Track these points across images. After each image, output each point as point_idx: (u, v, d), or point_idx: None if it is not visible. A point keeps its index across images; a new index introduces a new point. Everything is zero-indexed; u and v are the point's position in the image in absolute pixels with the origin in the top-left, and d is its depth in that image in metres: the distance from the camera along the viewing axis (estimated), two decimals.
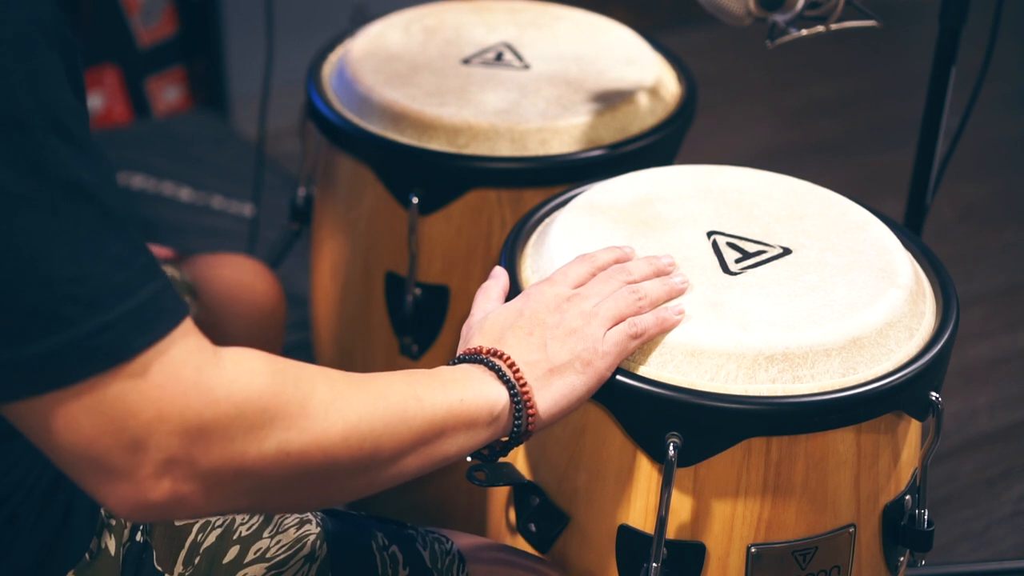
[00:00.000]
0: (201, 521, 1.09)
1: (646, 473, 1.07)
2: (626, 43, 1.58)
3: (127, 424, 0.80)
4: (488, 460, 1.04)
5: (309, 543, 1.10)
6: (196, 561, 1.07)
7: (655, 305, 1.07)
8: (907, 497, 1.13)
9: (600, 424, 1.08)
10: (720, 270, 1.12)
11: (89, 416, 0.80)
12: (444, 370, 1.00)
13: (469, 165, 1.39)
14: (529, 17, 1.62)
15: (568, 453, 1.12)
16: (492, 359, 1.01)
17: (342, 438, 0.89)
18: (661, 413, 1.03)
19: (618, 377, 1.04)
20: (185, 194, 2.53)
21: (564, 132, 1.40)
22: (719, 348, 1.04)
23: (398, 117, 1.42)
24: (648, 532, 1.07)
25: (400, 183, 1.41)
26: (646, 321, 1.05)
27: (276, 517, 1.11)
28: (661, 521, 1.04)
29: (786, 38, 1.32)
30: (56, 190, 0.78)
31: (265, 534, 1.10)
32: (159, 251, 1.30)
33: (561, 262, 1.12)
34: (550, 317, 1.04)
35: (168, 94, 2.82)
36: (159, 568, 1.07)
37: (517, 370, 1.01)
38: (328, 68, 1.56)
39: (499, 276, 1.13)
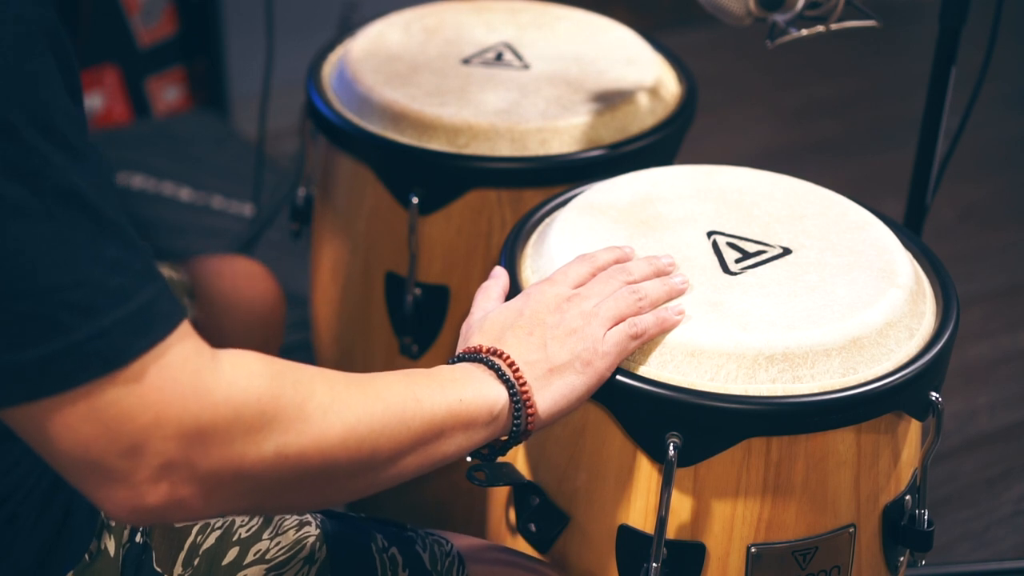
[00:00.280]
0: (200, 523, 1.09)
1: (646, 473, 1.07)
2: (626, 43, 1.58)
3: (124, 429, 0.80)
4: (487, 459, 1.04)
5: (308, 545, 1.10)
6: (195, 562, 1.07)
7: (655, 305, 1.07)
8: (907, 497, 1.13)
9: (600, 424, 1.08)
10: (720, 270, 1.12)
11: (86, 421, 0.80)
12: (443, 369, 1.00)
13: (469, 165, 1.39)
14: (529, 17, 1.62)
15: (568, 453, 1.12)
16: (492, 358, 1.01)
17: (340, 440, 0.89)
18: (661, 413, 1.03)
19: (618, 377, 1.04)
20: (185, 194, 2.53)
21: (564, 132, 1.40)
22: (719, 348, 1.04)
23: (398, 117, 1.42)
24: (648, 532, 1.07)
25: (400, 183, 1.41)
26: (646, 321, 1.05)
27: (276, 519, 1.11)
28: (661, 521, 1.04)
29: (786, 38, 1.32)
30: (51, 197, 0.78)
31: (264, 536, 1.10)
32: None
33: (561, 262, 1.12)
34: (550, 317, 1.04)
35: (168, 94, 2.82)
36: (158, 569, 1.06)
37: (517, 369, 1.01)
38: (328, 68, 1.56)
39: (499, 276, 1.13)
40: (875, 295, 1.09)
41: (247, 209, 2.46)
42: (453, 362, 1.02)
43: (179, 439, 0.81)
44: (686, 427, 1.03)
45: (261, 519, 1.10)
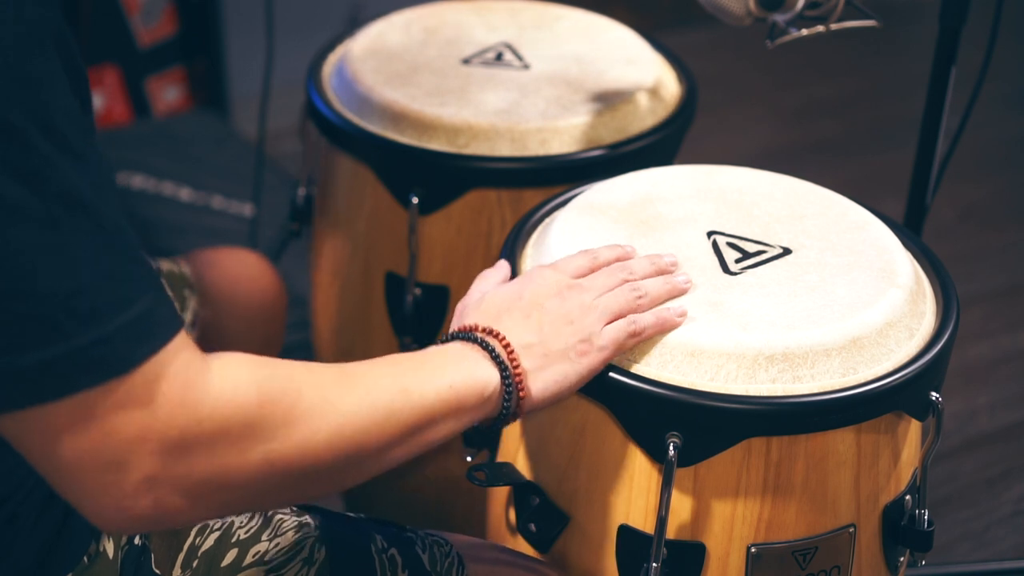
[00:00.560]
0: (199, 524, 1.09)
1: (646, 473, 1.07)
2: (626, 43, 1.58)
3: (110, 442, 0.80)
4: (472, 441, 1.05)
5: (308, 546, 1.10)
6: (194, 564, 1.07)
7: (655, 303, 1.06)
8: (907, 497, 1.13)
9: (600, 424, 1.08)
10: (720, 270, 1.12)
11: (75, 431, 0.80)
12: (435, 351, 0.99)
13: (469, 165, 1.39)
14: (529, 17, 1.62)
15: (568, 453, 1.12)
16: (487, 338, 1.00)
17: (327, 443, 0.88)
18: (661, 413, 1.03)
19: (618, 377, 1.04)
20: (185, 194, 2.53)
21: (564, 132, 1.40)
22: (719, 348, 1.04)
23: (398, 117, 1.42)
24: (648, 532, 1.07)
25: (400, 183, 1.41)
26: (646, 320, 1.05)
27: (275, 520, 1.11)
28: (661, 521, 1.04)
29: (786, 38, 1.32)
30: (53, 201, 0.77)
31: (263, 537, 1.10)
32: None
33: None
34: (550, 302, 1.03)
35: (168, 94, 2.82)
36: (157, 571, 1.06)
37: (512, 352, 1.00)
38: (328, 68, 1.56)
39: (502, 267, 1.13)
40: (875, 295, 1.09)
41: (247, 209, 2.46)
42: (446, 340, 1.01)
43: (163, 454, 0.81)
44: (686, 427, 1.03)
45: (260, 520, 1.10)
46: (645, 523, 1.08)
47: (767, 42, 1.34)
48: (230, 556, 1.08)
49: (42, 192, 0.77)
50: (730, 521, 1.06)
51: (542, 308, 1.03)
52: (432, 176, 1.40)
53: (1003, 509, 1.99)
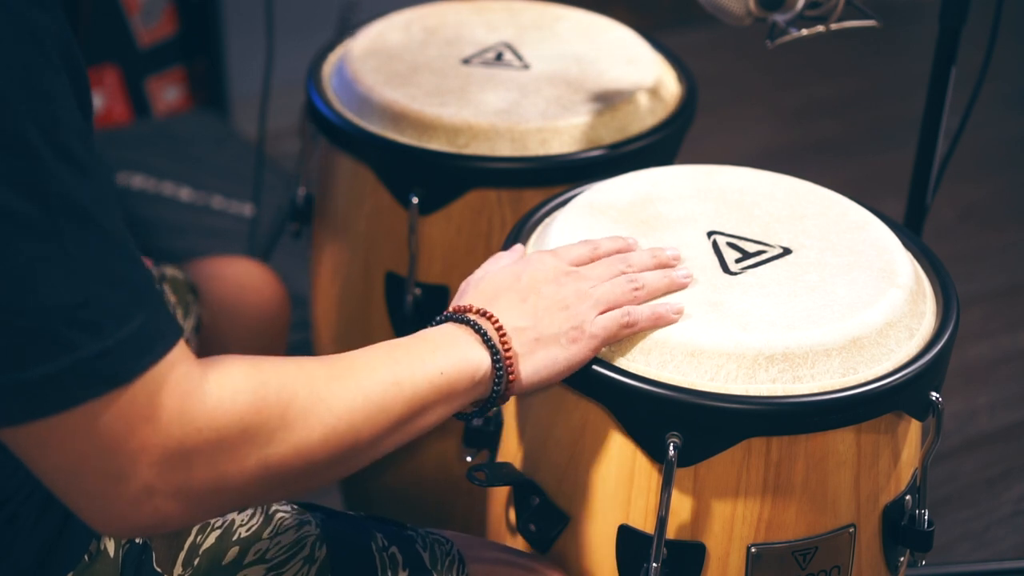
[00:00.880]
0: (200, 523, 1.09)
1: (646, 473, 1.07)
2: (626, 43, 1.58)
3: (111, 453, 0.81)
4: (472, 440, 1.08)
5: (308, 544, 1.10)
6: (196, 562, 1.07)
7: (652, 296, 1.07)
8: (907, 497, 1.13)
9: (600, 424, 1.08)
10: (720, 270, 1.12)
11: (77, 442, 0.80)
12: (427, 336, 1.00)
13: (469, 165, 1.39)
14: (529, 17, 1.62)
15: (568, 453, 1.12)
16: (480, 321, 1.01)
17: (321, 442, 0.89)
18: (661, 413, 1.03)
19: (618, 377, 1.04)
20: (185, 194, 2.53)
21: (564, 132, 1.40)
22: (719, 348, 1.04)
23: (398, 117, 1.42)
24: (648, 532, 1.07)
25: (400, 183, 1.41)
26: (640, 312, 1.05)
27: (276, 518, 1.11)
28: (661, 521, 1.04)
29: (786, 38, 1.32)
30: (59, 214, 0.78)
31: (264, 535, 1.10)
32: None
33: None
34: (546, 287, 1.04)
35: (168, 94, 2.82)
36: (158, 569, 1.06)
37: (504, 334, 1.00)
38: (328, 68, 1.56)
39: (516, 251, 1.13)
40: (875, 295, 1.09)
41: (247, 209, 2.46)
42: (440, 321, 1.02)
43: (163, 464, 0.82)
44: (686, 427, 1.03)
45: (261, 518, 1.11)
46: (645, 523, 1.08)
47: (767, 42, 1.34)
48: (231, 554, 1.08)
49: (48, 206, 0.77)
50: (730, 521, 1.06)
51: (538, 292, 1.03)
52: (432, 176, 1.40)
53: (1003, 509, 1.99)
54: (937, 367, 1.08)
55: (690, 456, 1.04)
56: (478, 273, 1.09)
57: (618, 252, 1.10)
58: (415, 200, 1.39)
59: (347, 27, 1.63)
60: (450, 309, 1.03)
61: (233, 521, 1.10)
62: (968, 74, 1.54)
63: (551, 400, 1.12)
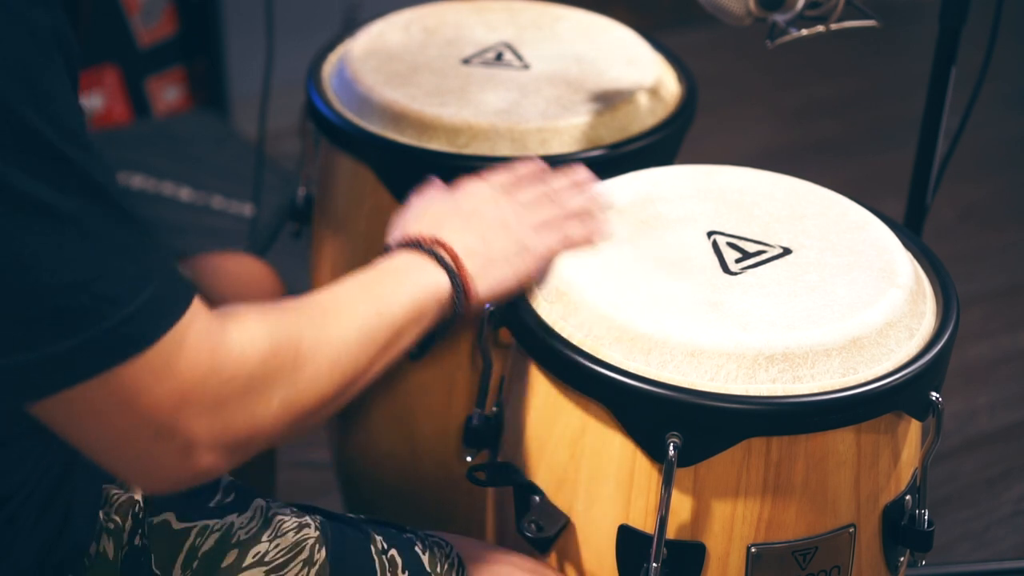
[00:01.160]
0: (200, 525, 1.09)
1: (646, 473, 1.07)
2: (626, 43, 1.57)
3: (153, 414, 0.86)
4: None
5: (307, 547, 1.10)
6: (195, 565, 1.07)
7: (575, 214, 1.15)
8: (907, 497, 1.13)
9: (600, 424, 1.08)
10: (720, 270, 1.12)
11: (113, 408, 0.84)
12: (393, 267, 1.07)
13: (469, 165, 1.38)
14: (529, 17, 1.62)
15: (568, 453, 1.12)
16: (435, 248, 1.08)
17: (328, 376, 0.97)
18: (661, 413, 1.03)
19: (618, 377, 1.04)
20: (185, 194, 2.53)
21: (564, 132, 1.40)
22: (719, 348, 1.04)
23: (398, 117, 1.42)
24: (648, 532, 1.07)
25: (400, 183, 1.41)
26: (575, 230, 1.13)
27: (275, 521, 1.11)
28: (661, 521, 1.04)
29: (786, 38, 1.32)
30: (76, 195, 0.81)
31: (264, 538, 1.10)
32: None
33: (561, 262, 1.13)
34: (487, 210, 1.12)
35: (168, 94, 2.82)
36: (157, 572, 1.06)
37: (458, 258, 1.08)
38: (328, 68, 1.56)
39: (438, 183, 1.20)
40: (875, 295, 1.09)
41: (247, 209, 2.46)
42: (393, 249, 1.09)
43: (203, 416, 0.88)
44: (686, 427, 1.03)
45: (260, 521, 1.11)
46: (645, 523, 1.08)
47: (767, 42, 1.34)
48: (230, 557, 1.08)
49: (67, 188, 0.80)
50: (730, 521, 1.06)
51: (480, 216, 1.11)
52: (432, 176, 1.39)
53: (1003, 509, 1.99)
54: (937, 367, 1.08)
55: (690, 456, 1.04)
56: (413, 207, 1.15)
57: (533, 174, 1.18)
58: None
59: (352, 27, 1.63)
60: (398, 240, 1.10)
61: (232, 524, 1.10)
62: (968, 74, 1.54)
63: (551, 400, 1.12)
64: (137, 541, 1.07)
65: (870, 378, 1.04)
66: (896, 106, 3.06)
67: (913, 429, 1.13)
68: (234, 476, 1.14)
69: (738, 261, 1.13)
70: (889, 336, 1.07)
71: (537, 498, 1.14)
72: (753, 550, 1.07)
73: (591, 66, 1.51)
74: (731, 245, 1.15)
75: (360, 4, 2.37)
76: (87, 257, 0.82)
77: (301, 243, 1.77)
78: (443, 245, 1.08)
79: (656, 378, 1.04)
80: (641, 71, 1.51)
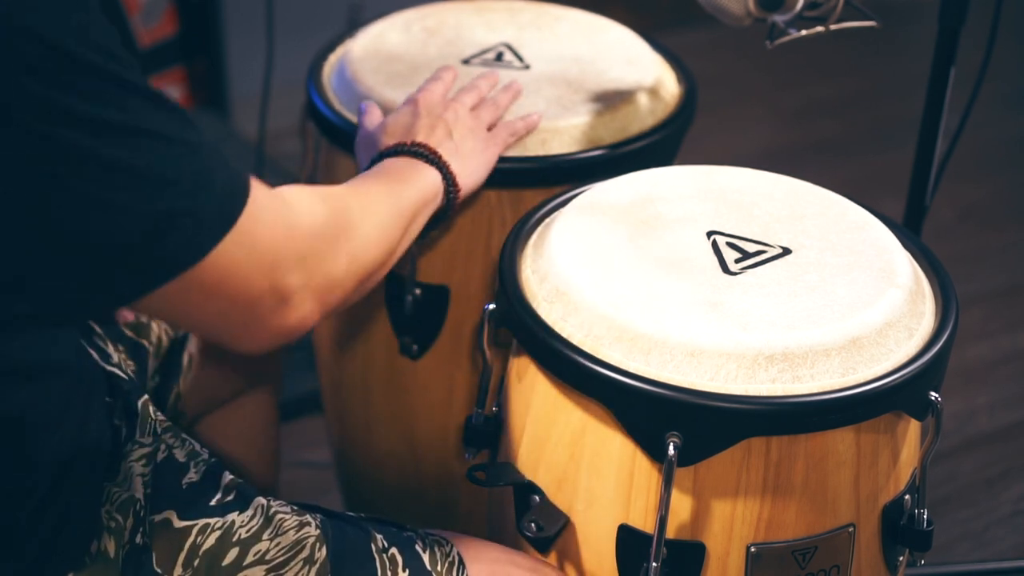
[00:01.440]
0: (200, 523, 1.09)
1: (646, 473, 1.07)
2: (626, 43, 1.58)
3: (251, 281, 0.94)
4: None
5: (308, 545, 1.10)
6: (195, 563, 1.07)
7: (506, 109, 1.38)
8: (906, 497, 1.13)
9: (600, 424, 1.08)
10: (720, 270, 1.12)
11: (218, 285, 0.92)
12: (396, 167, 1.21)
13: None
14: (529, 17, 1.62)
15: (568, 453, 1.12)
16: (421, 150, 1.23)
17: (377, 240, 1.10)
18: (661, 413, 1.03)
19: (618, 377, 1.04)
20: None
21: (564, 132, 1.40)
22: (719, 348, 1.04)
23: None
24: (648, 532, 1.07)
25: None
26: (516, 123, 1.35)
27: (276, 519, 1.11)
28: (661, 521, 1.04)
29: (786, 38, 1.32)
30: (139, 109, 0.87)
31: (264, 536, 1.10)
32: (125, 313, 1.31)
33: (561, 262, 1.13)
34: (446, 115, 1.28)
35: (168, 94, 2.82)
36: (158, 570, 1.07)
37: (440, 156, 1.23)
38: (328, 68, 1.56)
39: (372, 107, 1.35)
40: (875, 295, 1.10)
41: None
42: (386, 155, 1.23)
43: (291, 272, 0.97)
44: (686, 427, 1.03)
45: (261, 519, 1.11)
46: (645, 523, 1.08)
47: (767, 42, 1.34)
48: (231, 555, 1.08)
49: (125, 105, 0.86)
50: (730, 521, 1.06)
51: (442, 119, 1.27)
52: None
53: (1002, 509, 1.99)
54: (936, 367, 1.08)
55: (690, 456, 1.04)
56: (369, 127, 1.31)
57: (454, 78, 1.37)
58: None
59: (355, 27, 1.63)
60: (388, 147, 1.24)
61: (233, 522, 1.10)
62: (968, 74, 1.55)
63: (551, 400, 1.12)
64: (138, 539, 1.07)
65: (870, 378, 1.05)
66: (896, 106, 3.07)
67: (912, 429, 1.13)
68: (235, 475, 1.15)
69: (738, 261, 1.13)
70: (888, 336, 1.07)
71: (537, 498, 1.14)
72: (753, 550, 1.07)
73: (591, 66, 1.51)
74: (731, 245, 1.16)
75: (363, 4, 2.37)
76: (169, 158, 0.88)
77: None
78: (425, 146, 1.23)
79: (656, 378, 1.04)
80: (641, 71, 1.51)
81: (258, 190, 0.95)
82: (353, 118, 1.45)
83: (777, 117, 3.08)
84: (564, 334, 1.09)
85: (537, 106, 1.43)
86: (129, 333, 1.32)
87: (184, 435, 1.18)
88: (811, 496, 1.07)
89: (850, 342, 1.05)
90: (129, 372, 1.25)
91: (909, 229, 1.32)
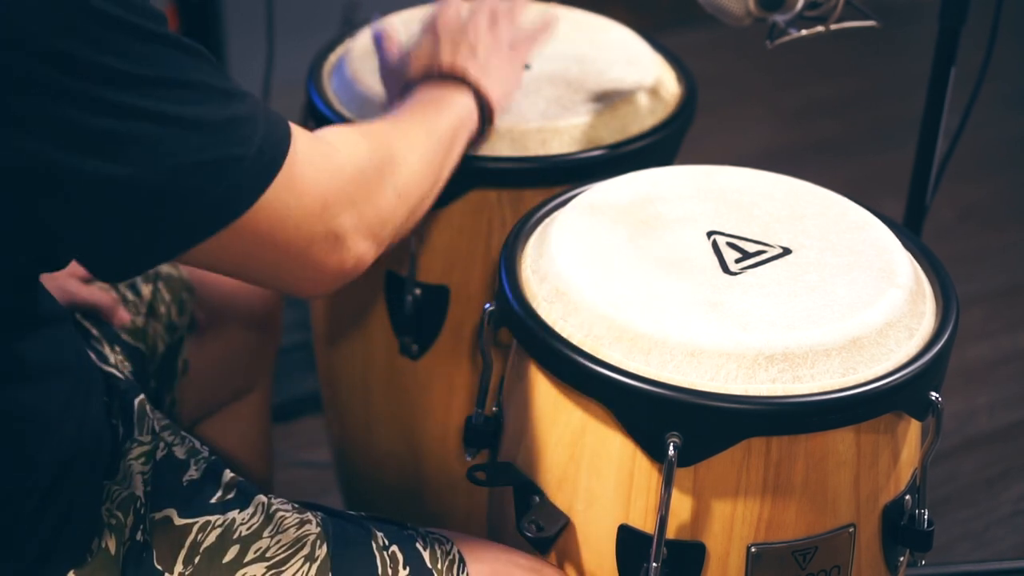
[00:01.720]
0: (201, 520, 1.09)
1: (646, 473, 1.07)
2: (626, 43, 1.58)
3: (298, 223, 0.95)
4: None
5: (309, 543, 1.10)
6: (196, 561, 1.07)
7: (519, 19, 1.38)
8: (907, 497, 1.13)
9: (600, 424, 1.08)
10: (720, 270, 1.12)
11: (271, 229, 0.94)
12: (427, 93, 1.23)
13: (469, 165, 1.38)
14: (529, 17, 1.62)
15: (568, 453, 1.12)
16: (452, 73, 1.25)
17: (421, 173, 1.12)
18: (661, 413, 1.03)
19: (618, 377, 1.04)
20: None
21: (564, 132, 1.40)
22: (719, 348, 1.04)
23: None
24: (648, 532, 1.07)
25: None
26: (527, 41, 1.37)
27: (276, 516, 1.11)
28: (661, 521, 1.04)
29: (786, 38, 1.32)
30: (187, 62, 0.91)
31: (265, 534, 1.10)
32: (122, 315, 1.31)
33: (561, 262, 1.13)
34: (467, 36, 1.29)
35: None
36: (159, 567, 1.07)
37: (470, 76, 1.25)
38: (328, 68, 1.56)
39: (387, 39, 1.36)
40: (875, 295, 1.10)
41: None
42: (413, 86, 1.24)
43: (343, 212, 0.99)
44: (686, 427, 1.03)
45: (262, 517, 1.11)
46: (645, 523, 1.08)
47: (767, 42, 1.34)
48: (232, 552, 1.08)
49: (165, 62, 0.90)
50: (730, 521, 1.06)
51: (464, 41, 1.28)
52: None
53: (1003, 509, 1.99)
54: (937, 367, 1.08)
55: (690, 456, 1.04)
56: (391, 61, 1.33)
57: (482, 4, 1.36)
58: None
59: (350, 27, 1.63)
60: (421, 73, 1.26)
61: (234, 520, 1.10)
62: (968, 74, 1.55)
63: (551, 400, 1.12)
64: (139, 537, 1.07)
65: (870, 378, 1.05)
66: (896, 106, 3.06)
67: (913, 429, 1.13)
68: (235, 473, 1.15)
69: (738, 261, 1.13)
70: (889, 336, 1.07)
71: (537, 498, 1.14)
72: (753, 550, 1.07)
73: (591, 66, 1.51)
74: (731, 245, 1.16)
75: (359, 3, 2.37)
76: (216, 108, 0.90)
77: None
78: (455, 69, 1.24)
79: (656, 378, 1.04)
80: (641, 71, 1.51)
81: (300, 135, 0.97)
82: (353, 118, 1.45)
83: (777, 117, 3.08)
84: (564, 334, 1.09)
85: (537, 106, 1.43)
86: (126, 337, 1.32)
87: (184, 432, 1.18)
88: (811, 496, 1.07)
89: (850, 342, 1.05)
90: (126, 373, 1.25)
91: (909, 229, 1.32)
